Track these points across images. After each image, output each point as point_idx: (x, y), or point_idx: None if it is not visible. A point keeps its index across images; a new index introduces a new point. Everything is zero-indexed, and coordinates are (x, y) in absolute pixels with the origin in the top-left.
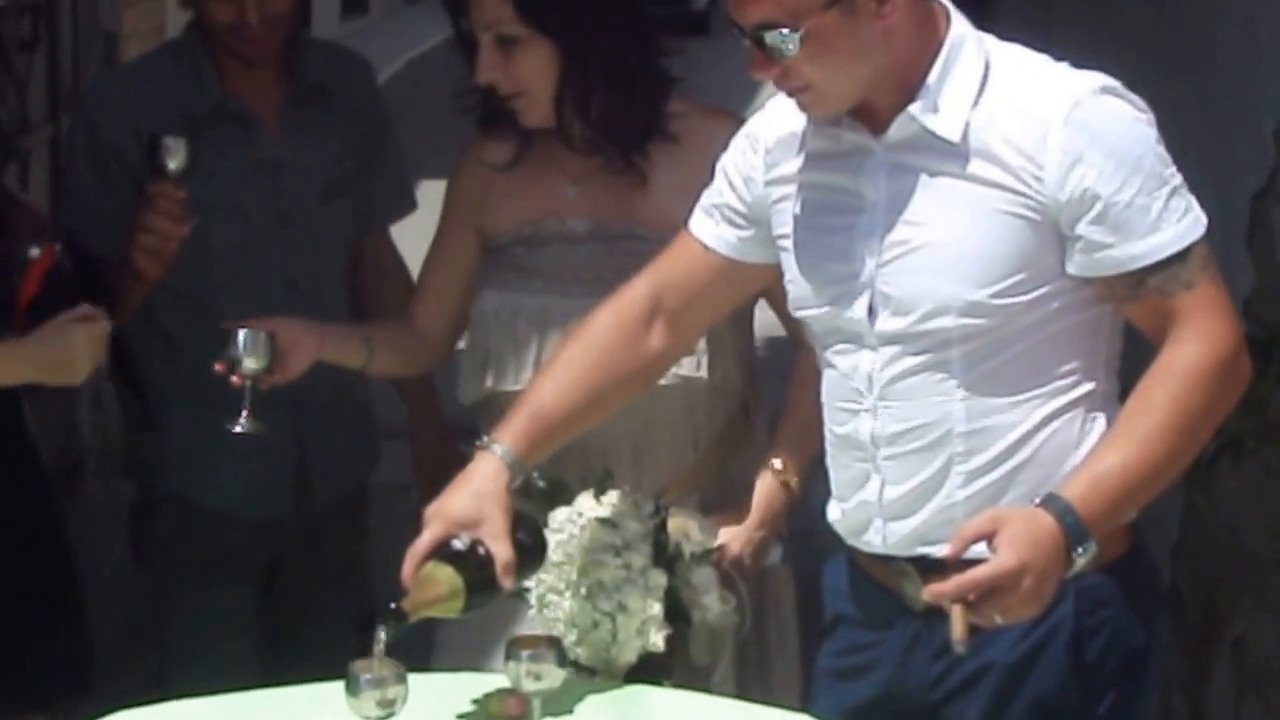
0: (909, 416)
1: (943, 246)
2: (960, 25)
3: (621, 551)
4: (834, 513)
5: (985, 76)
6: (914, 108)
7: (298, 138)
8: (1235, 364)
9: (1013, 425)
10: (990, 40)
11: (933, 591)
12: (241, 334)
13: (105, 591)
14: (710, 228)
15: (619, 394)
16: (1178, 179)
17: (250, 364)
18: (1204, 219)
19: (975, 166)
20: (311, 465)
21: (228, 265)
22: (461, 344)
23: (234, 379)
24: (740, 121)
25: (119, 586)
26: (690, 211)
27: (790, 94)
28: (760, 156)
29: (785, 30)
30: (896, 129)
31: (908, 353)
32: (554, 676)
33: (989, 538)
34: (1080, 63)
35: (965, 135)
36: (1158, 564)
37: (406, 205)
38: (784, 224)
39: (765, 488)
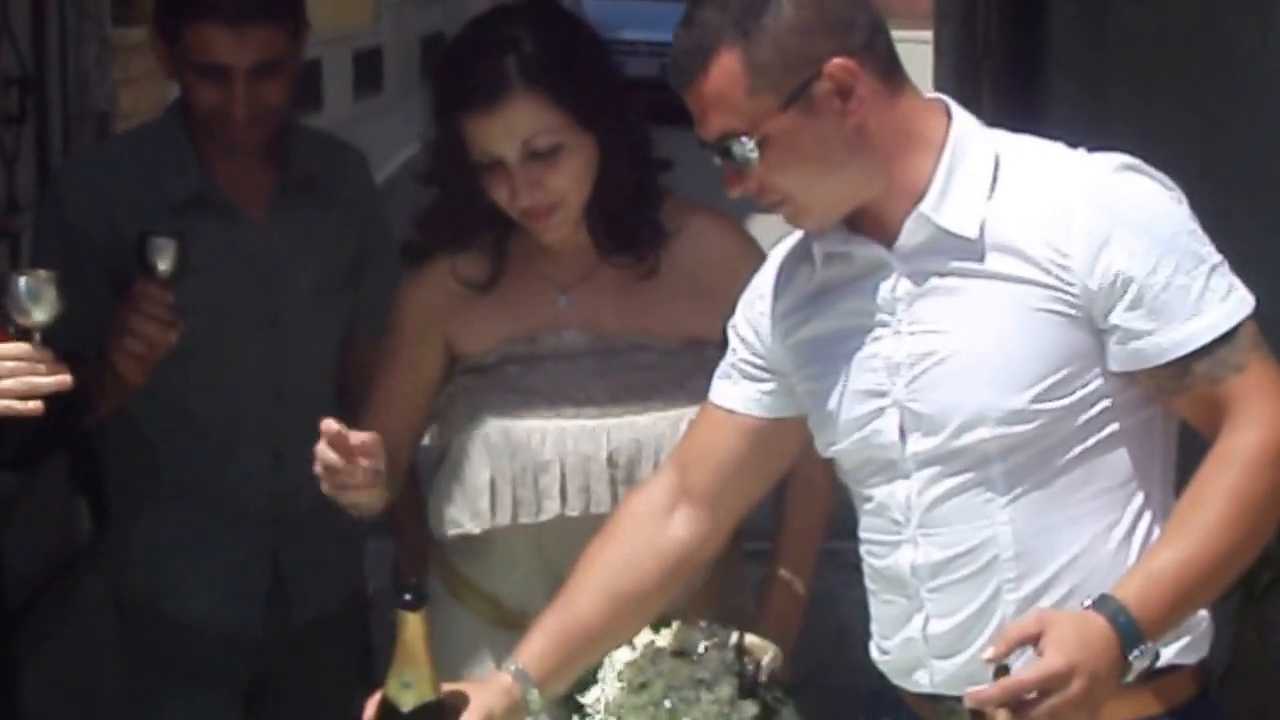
0: (952, 543)
1: (971, 354)
2: (963, 121)
3: (711, 686)
4: (877, 652)
5: (997, 168)
6: (924, 206)
7: (286, 230)
8: None
9: (1065, 545)
10: (999, 133)
11: (976, 698)
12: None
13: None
14: (730, 390)
15: (653, 596)
16: (1217, 257)
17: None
18: (1250, 297)
19: (997, 263)
20: (289, 577)
21: (208, 367)
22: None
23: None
24: (732, 221)
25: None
26: (688, 320)
27: (772, 208)
28: (768, 302)
29: (744, 139)
30: (908, 233)
31: (946, 474)
32: None
33: (1035, 640)
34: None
35: (982, 230)
36: (1225, 709)
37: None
38: (803, 362)
39: (777, 599)
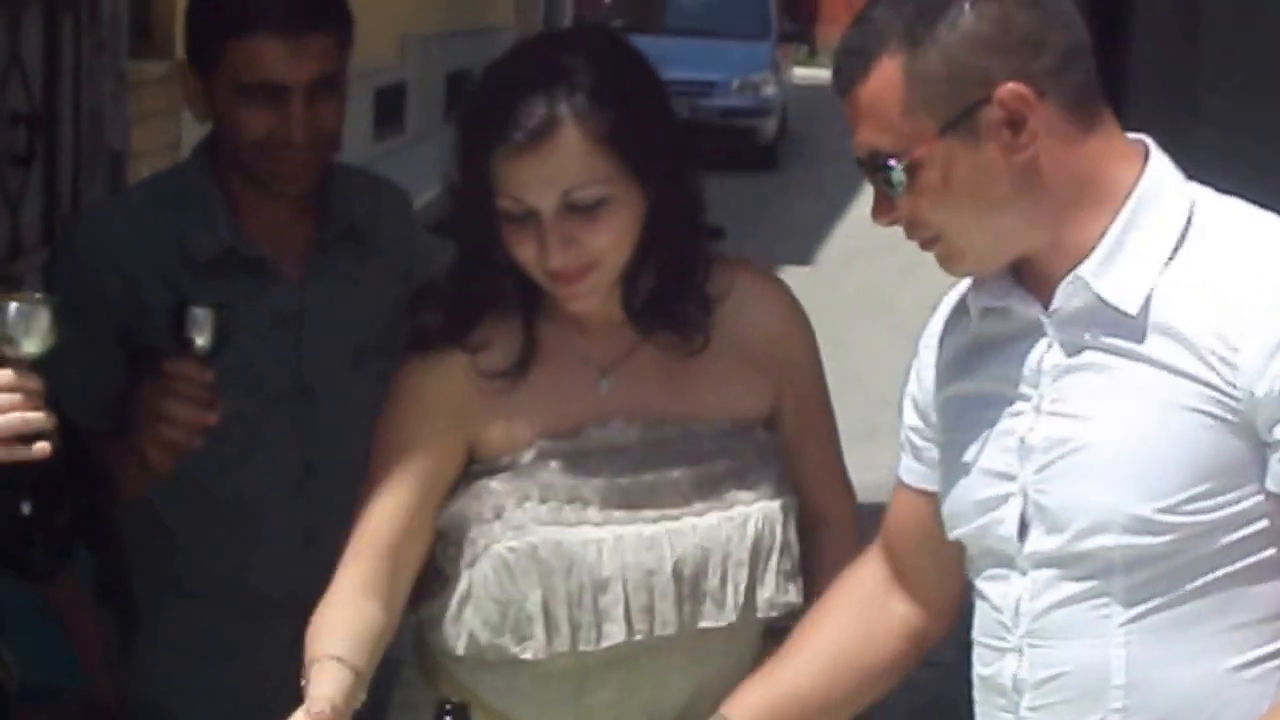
0: (1058, 661)
1: (1106, 447)
2: (1159, 172)
3: None
4: None
5: (1185, 234)
6: (1084, 268)
7: (325, 290)
8: None
9: (1186, 682)
10: (1201, 191)
11: None
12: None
13: None
14: (908, 464)
15: (880, 674)
16: None
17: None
18: None
19: (1155, 347)
20: None
21: (233, 445)
22: (458, 585)
23: None
24: (779, 282)
25: None
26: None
27: (923, 246)
28: (933, 353)
29: (892, 161)
30: (1063, 296)
31: (1063, 578)
32: None
33: None
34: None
35: (1147, 307)
36: None
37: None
38: (945, 426)
39: None
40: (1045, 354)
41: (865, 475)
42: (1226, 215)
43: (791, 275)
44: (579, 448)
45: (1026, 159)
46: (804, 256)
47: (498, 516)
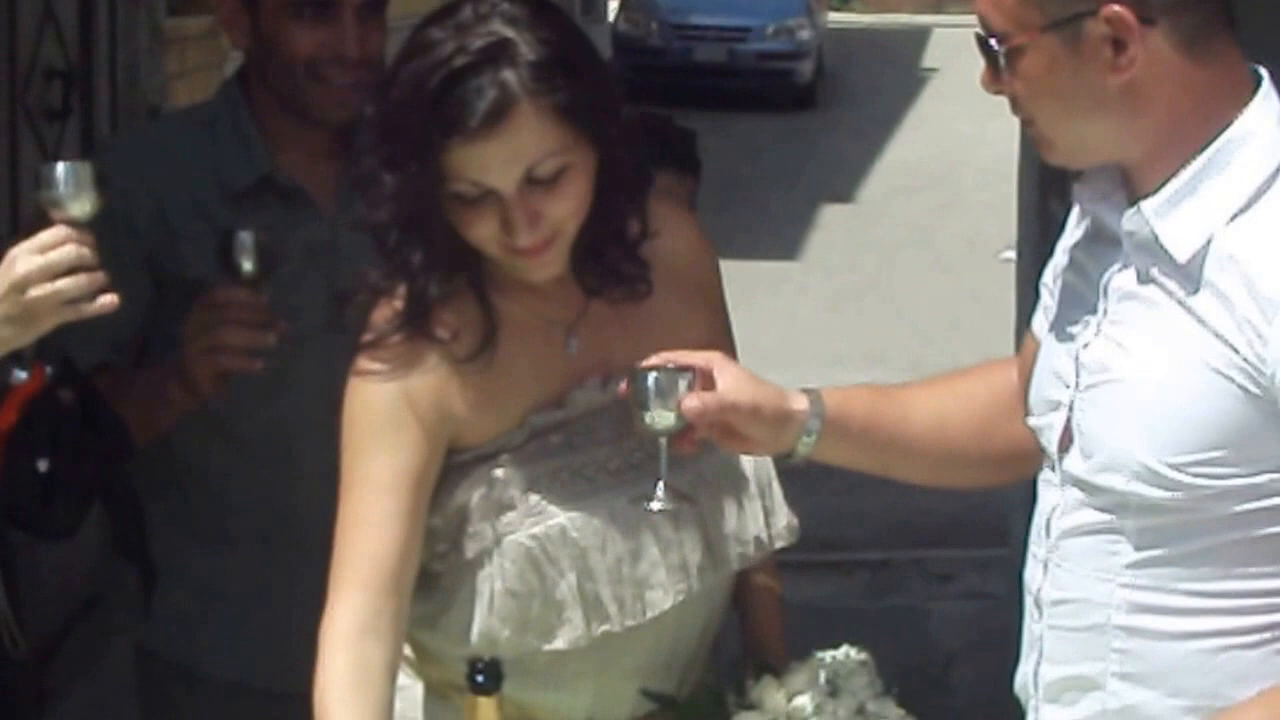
0: (1071, 587)
1: (1136, 388)
2: (1260, 113)
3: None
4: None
5: (1264, 189)
6: (1149, 202)
7: (354, 223)
8: None
9: (1183, 639)
10: None
11: None
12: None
13: None
14: (1038, 311)
15: (967, 459)
16: None
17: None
18: None
19: (1202, 301)
20: None
21: (260, 380)
22: (481, 582)
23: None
24: (683, 209)
25: None
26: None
27: (1022, 126)
28: (1071, 224)
29: (994, 40)
30: (1129, 221)
31: (1086, 504)
32: None
33: None
34: None
35: (1201, 258)
36: None
37: None
38: (1050, 306)
39: (763, 609)
40: (1118, 273)
41: None
42: None
43: (834, 212)
44: (568, 415)
45: (1124, 80)
46: (846, 194)
47: (511, 507)
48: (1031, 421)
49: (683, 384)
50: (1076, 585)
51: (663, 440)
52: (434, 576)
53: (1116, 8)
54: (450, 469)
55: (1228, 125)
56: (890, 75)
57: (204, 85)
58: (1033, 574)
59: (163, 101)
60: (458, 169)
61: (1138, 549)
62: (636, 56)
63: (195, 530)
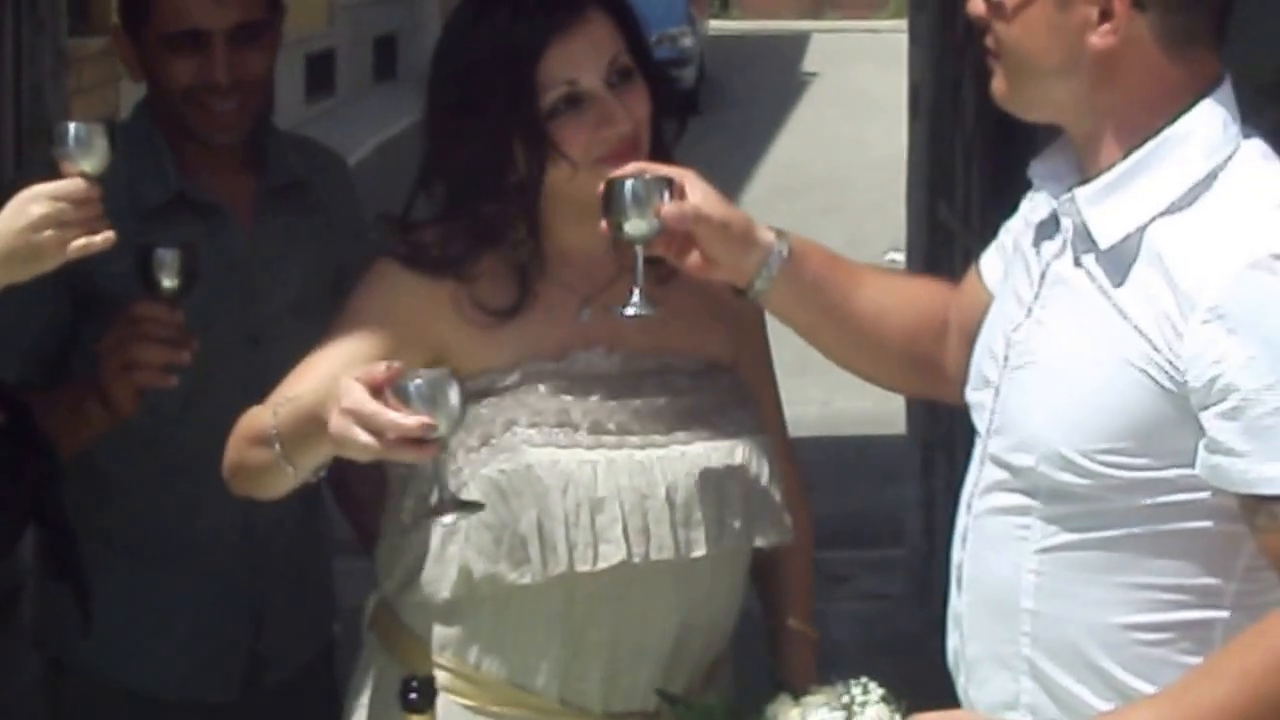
0: (983, 566)
1: (1054, 372)
2: (1202, 116)
3: None
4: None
5: (1198, 190)
6: (1083, 190)
7: (272, 238)
8: None
9: (1090, 627)
10: (1248, 150)
11: None
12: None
13: None
14: (990, 252)
15: (904, 341)
16: None
17: None
18: None
19: (1125, 294)
20: (269, 638)
21: (178, 395)
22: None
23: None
24: None
25: None
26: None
27: (988, 55)
28: (1030, 198)
29: None
30: (1063, 207)
31: (1003, 485)
32: None
33: None
34: None
35: (1128, 248)
36: None
37: None
38: (1003, 274)
39: (795, 655)
40: (1055, 257)
41: (797, 409)
42: (1248, 183)
43: None
44: (565, 371)
45: (1099, 49)
46: (729, 198)
47: (484, 443)
48: (969, 395)
49: (659, 192)
50: (990, 564)
51: (638, 248)
52: (405, 529)
53: None
54: None
55: (1172, 122)
56: (771, 80)
57: (100, 102)
58: (955, 548)
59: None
60: (553, 74)
61: (1047, 535)
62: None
63: (116, 543)
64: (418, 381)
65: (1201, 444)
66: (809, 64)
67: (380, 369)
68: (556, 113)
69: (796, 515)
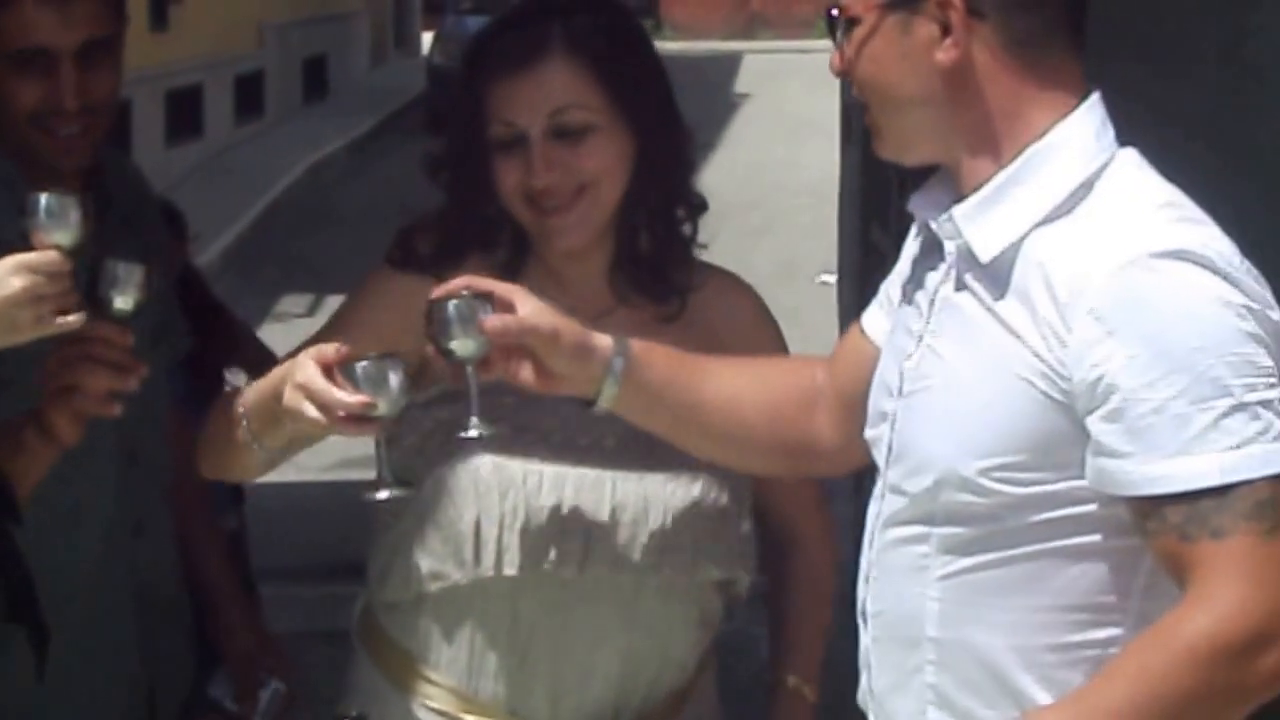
0: (888, 598)
1: (946, 393)
2: (1074, 127)
3: None
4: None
5: (1076, 198)
6: (960, 208)
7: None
8: (1249, 655)
9: (996, 651)
10: (1124, 158)
11: None
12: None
13: None
14: (874, 313)
15: (776, 415)
16: (1262, 395)
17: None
18: (1277, 460)
19: (1008, 307)
20: (159, 686)
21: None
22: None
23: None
24: (751, 289)
25: None
26: None
27: (864, 113)
28: (914, 227)
29: (835, 11)
30: (942, 227)
31: (901, 517)
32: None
33: None
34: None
35: (1008, 261)
36: None
37: (183, 345)
38: (890, 318)
39: (788, 713)
40: (942, 282)
41: None
42: (1125, 190)
43: None
44: None
45: (948, 65)
46: None
47: (445, 443)
48: (867, 434)
49: (482, 310)
50: (894, 597)
51: (469, 368)
52: (384, 533)
53: None
54: (413, 408)
55: (1043, 133)
56: (703, 101)
57: None
58: (860, 587)
59: None
60: (495, 109)
61: (946, 562)
62: (451, 89)
63: None
64: (364, 364)
65: (1088, 449)
66: (741, 85)
67: (331, 349)
68: (497, 148)
69: (809, 557)
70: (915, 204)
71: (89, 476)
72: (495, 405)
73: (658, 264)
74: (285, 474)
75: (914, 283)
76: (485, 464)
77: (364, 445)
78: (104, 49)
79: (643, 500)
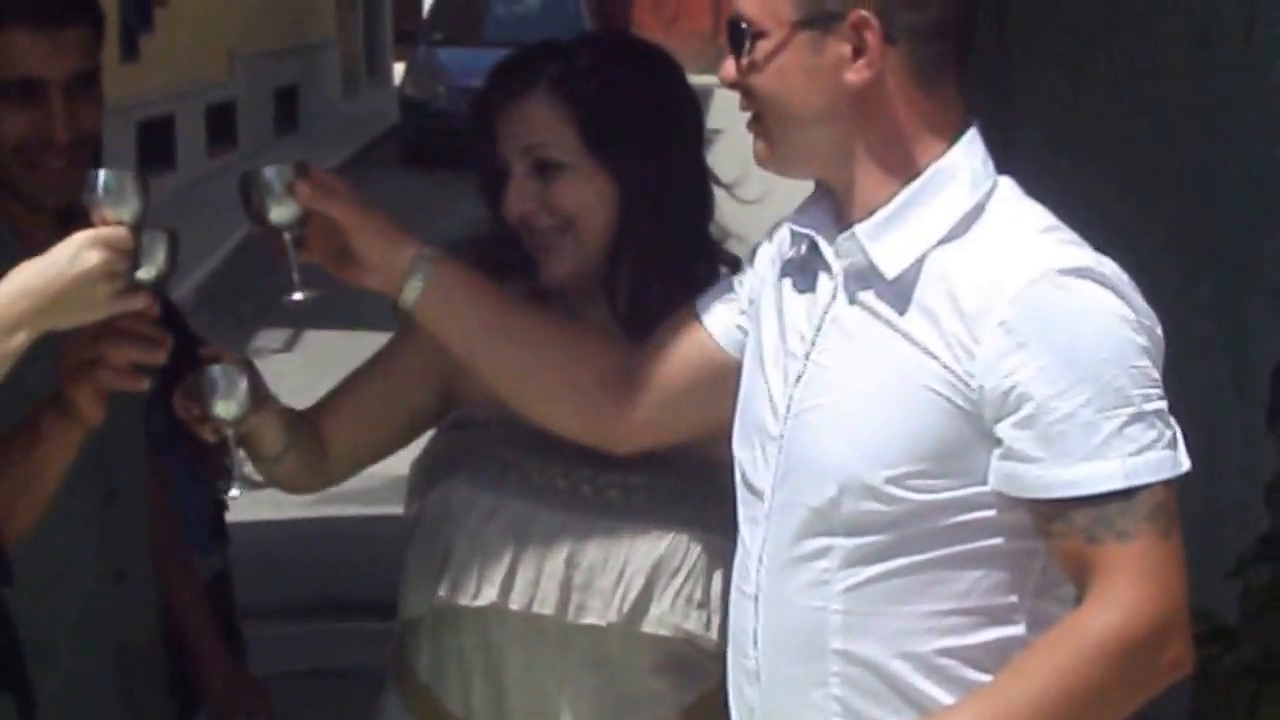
0: (786, 616)
1: (848, 408)
2: (964, 152)
3: None
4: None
5: (969, 220)
6: (861, 227)
7: None
8: (1154, 648)
9: (900, 656)
10: (1004, 186)
11: None
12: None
13: None
14: (715, 306)
15: (557, 368)
16: (1156, 405)
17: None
18: (1183, 461)
19: (911, 321)
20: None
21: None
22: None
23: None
24: None
25: None
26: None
27: (748, 126)
28: (775, 240)
29: (744, 25)
30: (840, 248)
31: (796, 534)
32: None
33: None
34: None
35: (910, 278)
36: None
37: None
38: (754, 330)
39: None
40: (831, 300)
41: None
42: (1012, 214)
43: None
44: (526, 424)
45: (857, 85)
46: None
47: (433, 472)
48: (742, 454)
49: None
50: (792, 615)
51: (287, 237)
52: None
53: (864, 13)
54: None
55: (938, 157)
56: None
57: None
58: (743, 611)
59: None
60: (500, 139)
61: (849, 572)
62: (422, 119)
63: None
64: (214, 368)
65: (996, 454)
66: (713, 120)
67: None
68: (498, 174)
69: None
70: (800, 224)
71: (70, 521)
72: (486, 433)
73: (668, 307)
74: (267, 511)
75: (785, 302)
76: (459, 494)
77: (348, 482)
78: (90, 80)
79: (604, 551)
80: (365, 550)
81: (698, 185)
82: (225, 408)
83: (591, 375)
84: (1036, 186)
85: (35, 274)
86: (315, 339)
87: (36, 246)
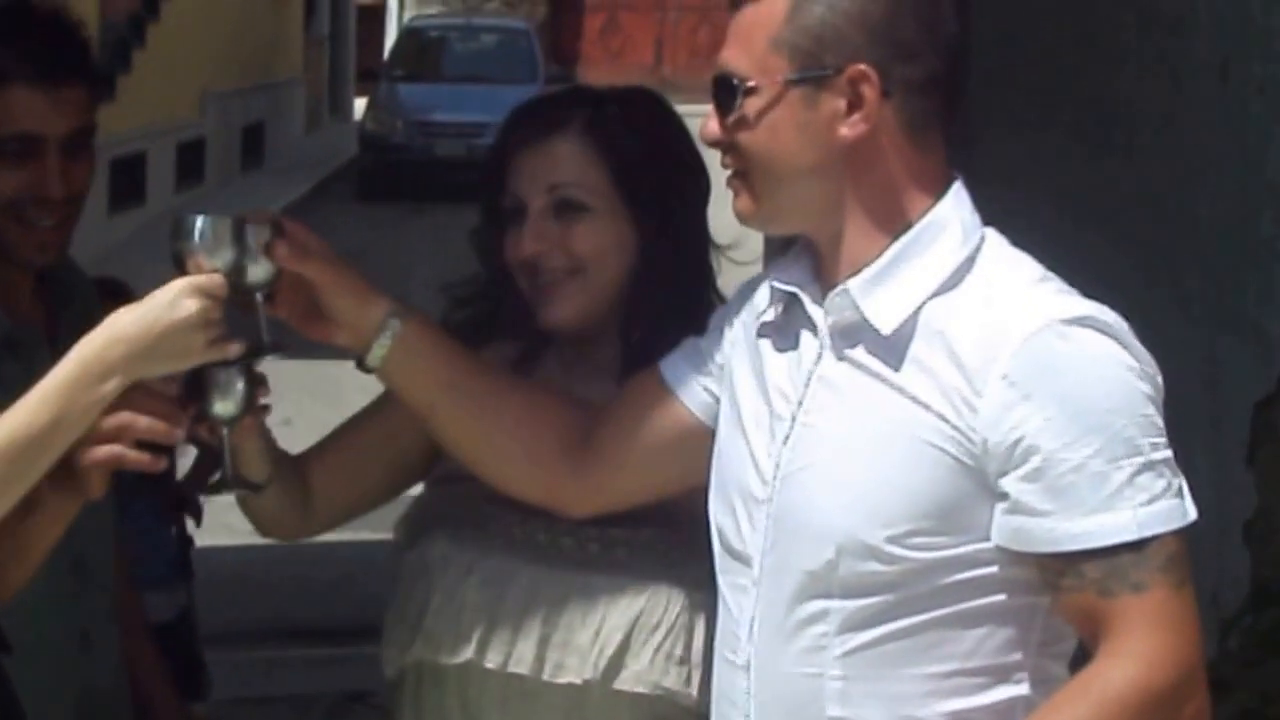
0: (781, 684)
1: (842, 466)
2: (953, 205)
3: None
4: None
5: (961, 272)
6: (853, 283)
7: None
8: (1177, 700)
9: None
10: (991, 237)
11: None
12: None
13: None
14: (681, 366)
15: (517, 434)
16: (1163, 454)
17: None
18: (1190, 510)
19: (907, 376)
20: None
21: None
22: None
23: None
24: None
25: None
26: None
27: (729, 183)
28: (748, 303)
29: (735, 80)
30: (832, 306)
31: (791, 599)
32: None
33: None
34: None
35: (906, 332)
36: None
37: None
38: (730, 392)
39: None
40: (818, 359)
41: None
42: (1004, 266)
43: None
44: None
45: (852, 140)
46: None
47: (420, 525)
48: (722, 520)
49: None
50: (787, 682)
51: (258, 297)
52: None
53: (863, 67)
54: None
55: (928, 210)
56: None
57: None
58: (732, 681)
59: None
60: (507, 180)
61: (847, 638)
62: (382, 153)
63: None
64: (214, 368)
65: (1000, 510)
66: None
67: None
68: (507, 218)
69: None
70: (781, 280)
71: (36, 590)
72: (469, 488)
73: (648, 349)
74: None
75: (765, 363)
76: (437, 549)
77: None
78: (86, 139)
79: (579, 607)
80: (322, 574)
81: (704, 241)
82: (223, 406)
83: (550, 439)
84: (1002, 225)
85: (131, 321)
86: (286, 369)
87: (15, 306)
